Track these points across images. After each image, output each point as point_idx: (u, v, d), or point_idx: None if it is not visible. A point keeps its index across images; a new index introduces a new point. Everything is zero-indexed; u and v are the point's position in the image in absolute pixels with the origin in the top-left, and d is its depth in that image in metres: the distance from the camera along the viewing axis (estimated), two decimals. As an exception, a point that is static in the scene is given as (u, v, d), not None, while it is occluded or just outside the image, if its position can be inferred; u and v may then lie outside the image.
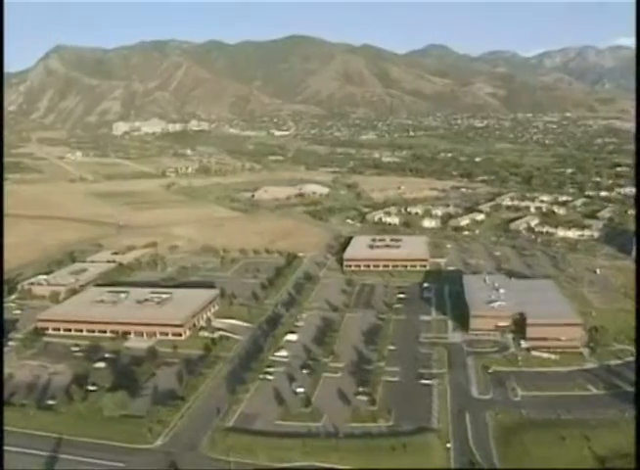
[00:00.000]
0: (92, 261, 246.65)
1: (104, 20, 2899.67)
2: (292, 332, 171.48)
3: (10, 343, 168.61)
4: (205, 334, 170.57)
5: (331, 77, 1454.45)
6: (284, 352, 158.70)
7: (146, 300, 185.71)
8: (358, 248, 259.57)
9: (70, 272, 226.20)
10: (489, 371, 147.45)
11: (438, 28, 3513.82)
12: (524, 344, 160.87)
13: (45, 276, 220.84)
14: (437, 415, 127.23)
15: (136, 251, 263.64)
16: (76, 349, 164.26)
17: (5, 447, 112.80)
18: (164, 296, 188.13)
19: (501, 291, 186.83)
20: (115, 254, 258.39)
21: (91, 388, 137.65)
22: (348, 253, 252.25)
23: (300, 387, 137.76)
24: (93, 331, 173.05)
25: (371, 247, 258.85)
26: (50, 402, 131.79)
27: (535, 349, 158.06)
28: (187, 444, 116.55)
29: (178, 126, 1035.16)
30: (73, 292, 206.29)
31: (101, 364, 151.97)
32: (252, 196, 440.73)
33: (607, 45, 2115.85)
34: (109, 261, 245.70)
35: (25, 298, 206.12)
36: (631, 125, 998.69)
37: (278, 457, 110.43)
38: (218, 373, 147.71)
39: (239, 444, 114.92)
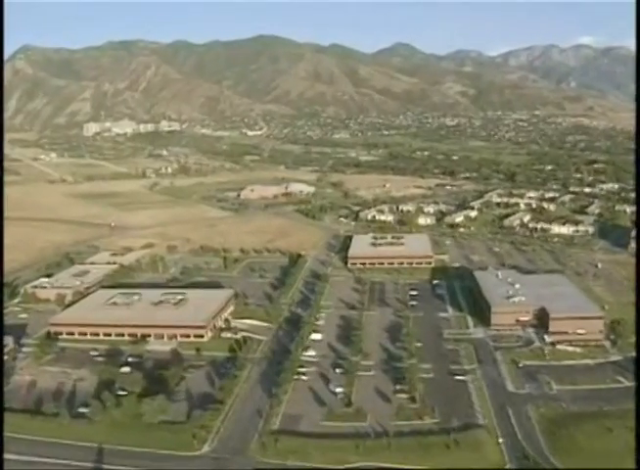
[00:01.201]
0: (92, 263, 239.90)
1: (68, 20, 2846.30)
2: (316, 331, 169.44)
3: (24, 349, 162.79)
4: (228, 335, 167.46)
5: (300, 77, 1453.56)
6: (312, 352, 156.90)
7: (161, 301, 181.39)
8: (361, 246, 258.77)
9: (73, 275, 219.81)
10: (519, 366, 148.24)
11: (405, 28, 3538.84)
12: (548, 338, 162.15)
13: (47, 279, 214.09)
14: (480, 411, 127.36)
15: (135, 252, 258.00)
16: (96, 353, 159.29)
17: (46, 459, 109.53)
18: (179, 297, 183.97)
19: (517, 286, 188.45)
20: (115, 255, 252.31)
21: (121, 393, 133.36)
22: (353, 251, 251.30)
23: (339, 387, 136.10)
24: (110, 335, 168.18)
25: (374, 245, 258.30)
26: (82, 410, 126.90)
27: (559, 342, 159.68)
28: (235, 448, 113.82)
29: (149, 127, 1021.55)
30: (80, 295, 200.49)
31: (126, 369, 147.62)
32: (239, 195, 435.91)
33: (570, 44, 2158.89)
34: (109, 263, 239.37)
35: (29, 301, 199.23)
36: (598, 123, 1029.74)
37: (334, 459, 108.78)
38: (250, 375, 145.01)
39: (290, 446, 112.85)
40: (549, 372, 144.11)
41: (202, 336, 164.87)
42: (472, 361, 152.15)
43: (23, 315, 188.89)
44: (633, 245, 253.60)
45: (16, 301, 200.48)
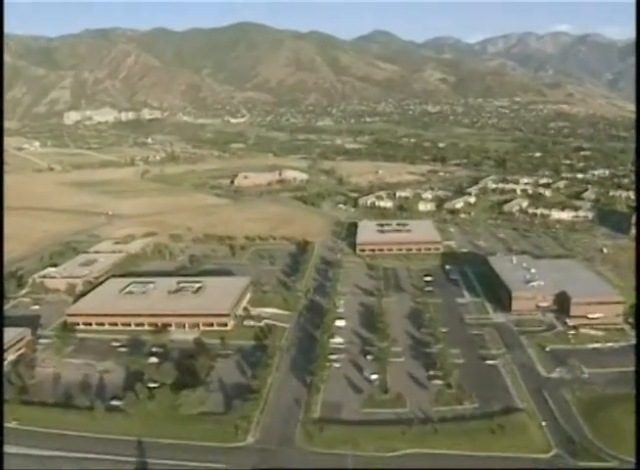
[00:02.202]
0: (96, 252, 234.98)
1: (45, 7, 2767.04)
2: (339, 318, 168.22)
3: (41, 340, 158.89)
4: (251, 323, 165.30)
5: (281, 64, 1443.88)
6: (339, 339, 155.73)
7: (179, 289, 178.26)
8: (368, 232, 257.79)
9: (80, 264, 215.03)
10: (547, 350, 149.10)
11: (382, 15, 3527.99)
12: (570, 322, 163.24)
13: (54, 269, 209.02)
14: (517, 395, 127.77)
15: (139, 240, 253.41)
16: (117, 344, 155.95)
17: (87, 455, 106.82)
18: (197, 285, 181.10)
19: (532, 271, 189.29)
20: (118, 243, 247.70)
21: (152, 385, 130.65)
22: (361, 237, 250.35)
23: (374, 373, 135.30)
24: (129, 324, 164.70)
25: (381, 231, 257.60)
26: (115, 403, 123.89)
27: (581, 326, 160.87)
28: (281, 439, 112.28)
29: (131, 115, 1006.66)
30: (90, 284, 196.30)
31: (154, 359, 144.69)
32: (232, 183, 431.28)
33: (547, 31, 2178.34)
34: (114, 252, 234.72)
35: (39, 292, 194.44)
36: (579, 109, 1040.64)
37: (382, 446, 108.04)
38: (280, 363, 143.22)
39: (336, 435, 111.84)
40: (577, 356, 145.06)
41: (225, 324, 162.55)
42: (499, 346, 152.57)
43: (35, 306, 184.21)
44: (634, 231, 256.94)
45: (24, 291, 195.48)
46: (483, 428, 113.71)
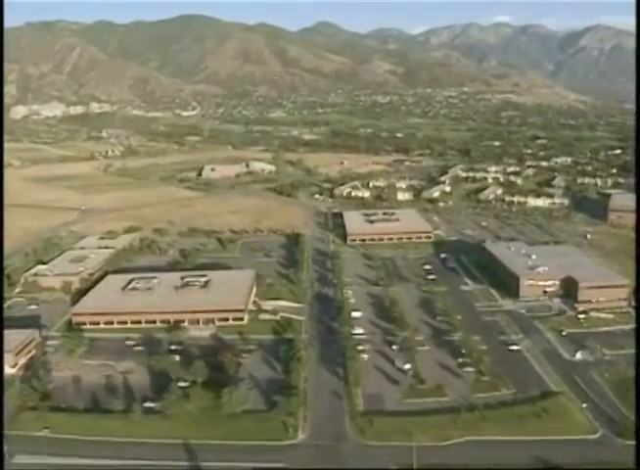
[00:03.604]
0: (82, 248, 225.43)
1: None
2: (354, 309, 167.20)
3: (49, 342, 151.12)
4: (267, 317, 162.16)
5: (229, 57, 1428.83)
6: (359, 330, 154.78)
7: (185, 284, 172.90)
8: (357, 222, 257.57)
9: (70, 261, 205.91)
10: (563, 334, 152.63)
11: (326, 6, 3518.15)
12: (580, 306, 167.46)
13: (44, 266, 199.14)
14: (549, 379, 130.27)
15: (125, 235, 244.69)
16: (131, 343, 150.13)
17: (138, 462, 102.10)
18: (203, 279, 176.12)
19: (533, 257, 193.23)
20: (103, 239, 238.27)
21: (183, 384, 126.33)
22: (351, 227, 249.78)
23: (407, 363, 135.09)
24: (139, 322, 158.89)
25: (370, 221, 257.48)
26: (149, 405, 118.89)
27: (590, 310, 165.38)
28: (333, 434, 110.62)
29: (79, 109, 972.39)
30: (86, 281, 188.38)
31: (176, 357, 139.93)
32: (199, 175, 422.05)
33: (489, 22, 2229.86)
34: (101, 247, 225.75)
35: (32, 291, 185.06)
36: (526, 99, 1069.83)
37: (437, 436, 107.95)
38: (308, 356, 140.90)
39: (387, 427, 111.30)
40: (594, 339, 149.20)
41: (241, 319, 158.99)
42: (516, 332, 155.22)
43: (33, 306, 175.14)
44: (612, 217, 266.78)
45: (16, 291, 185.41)
46: (528, 413, 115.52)
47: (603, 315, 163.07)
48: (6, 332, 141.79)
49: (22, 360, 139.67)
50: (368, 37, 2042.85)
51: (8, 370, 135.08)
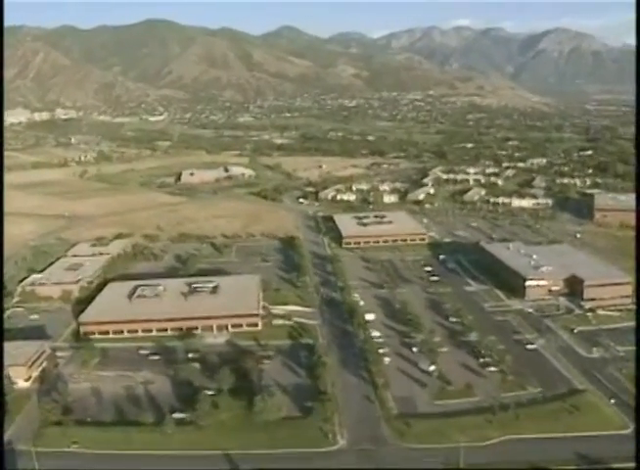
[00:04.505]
0: (74, 256, 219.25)
1: None
2: (368, 312, 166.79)
3: (58, 353, 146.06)
4: (280, 322, 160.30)
5: (193, 61, 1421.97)
6: (376, 333, 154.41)
7: (194, 290, 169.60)
8: (351, 225, 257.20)
9: (65, 269, 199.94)
10: (575, 332, 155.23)
11: (288, 10, 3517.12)
12: (585, 304, 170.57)
13: (40, 275, 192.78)
14: (570, 376, 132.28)
15: (116, 241, 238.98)
16: (146, 352, 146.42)
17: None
18: (210, 285, 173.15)
19: (534, 256, 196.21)
20: (95, 246, 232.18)
21: (209, 393, 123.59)
22: (345, 231, 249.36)
23: (431, 365, 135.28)
24: (150, 330, 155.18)
25: (363, 224, 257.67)
26: (179, 416, 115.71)
27: (597, 308, 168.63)
28: (372, 438, 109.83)
29: (45, 115, 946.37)
30: (86, 290, 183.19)
31: (195, 365, 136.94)
32: (178, 180, 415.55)
33: (450, 26, 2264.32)
34: (94, 254, 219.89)
35: (30, 300, 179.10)
36: (490, 101, 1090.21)
37: (476, 436, 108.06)
38: (330, 361, 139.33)
39: (425, 429, 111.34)
40: (605, 336, 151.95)
41: (256, 325, 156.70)
42: (530, 331, 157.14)
43: (34, 316, 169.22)
44: (597, 216, 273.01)
45: (14, 300, 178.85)
46: (559, 410, 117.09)
47: (609, 313, 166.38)
48: (14, 344, 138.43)
49: (35, 373, 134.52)
50: (330, 41, 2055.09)
51: (22, 384, 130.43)
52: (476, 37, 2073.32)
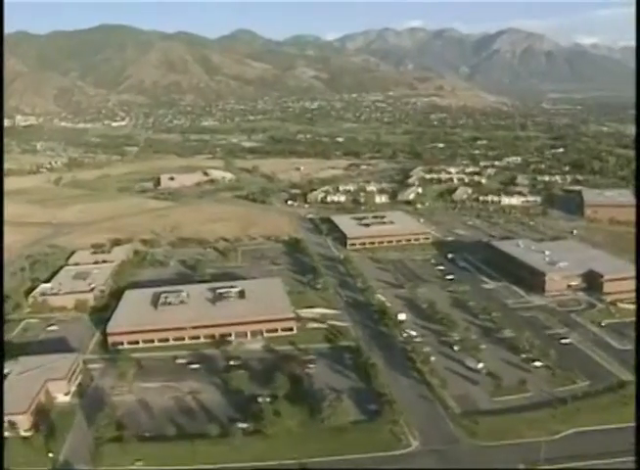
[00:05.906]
0: (77, 264, 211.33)
1: None
2: (400, 312, 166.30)
3: (91, 366, 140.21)
4: (314, 325, 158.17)
5: (152, 65, 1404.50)
6: (412, 332, 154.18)
7: (220, 296, 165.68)
8: (352, 227, 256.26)
9: (74, 277, 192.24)
10: (602, 325, 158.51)
11: (242, 13, 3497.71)
12: (606, 298, 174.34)
13: (48, 285, 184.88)
14: (612, 368, 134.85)
15: (118, 248, 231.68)
16: (183, 361, 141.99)
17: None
18: (235, 290, 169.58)
19: (547, 252, 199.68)
20: (96, 253, 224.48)
21: (267, 400, 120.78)
22: (349, 232, 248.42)
23: (479, 363, 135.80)
24: (182, 338, 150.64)
25: (365, 225, 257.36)
26: (242, 426, 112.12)
27: (616, 301, 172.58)
28: (444, 438, 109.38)
29: (5, 122, 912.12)
30: (102, 299, 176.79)
31: (240, 372, 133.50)
32: (158, 184, 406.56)
33: (404, 27, 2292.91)
34: (97, 262, 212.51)
35: (43, 311, 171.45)
36: (449, 101, 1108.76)
37: (544, 430, 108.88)
38: (377, 362, 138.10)
39: (494, 426, 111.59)
40: (632, 328, 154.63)
41: (291, 329, 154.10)
42: (559, 326, 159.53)
43: (53, 328, 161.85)
44: (588, 212, 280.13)
45: (25, 311, 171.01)
46: (614, 402, 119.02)
47: (630, 306, 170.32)
48: (47, 357, 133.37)
49: (73, 387, 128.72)
50: (286, 44, 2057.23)
51: (62, 398, 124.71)
52: (430, 38, 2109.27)
